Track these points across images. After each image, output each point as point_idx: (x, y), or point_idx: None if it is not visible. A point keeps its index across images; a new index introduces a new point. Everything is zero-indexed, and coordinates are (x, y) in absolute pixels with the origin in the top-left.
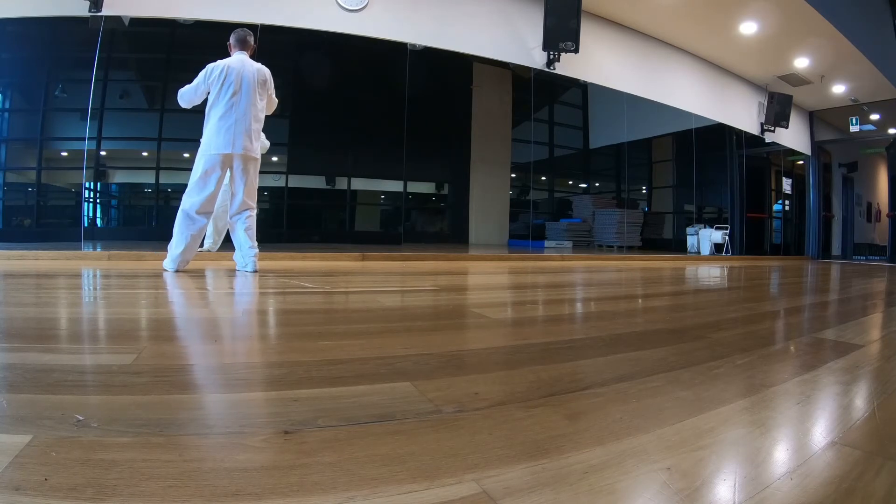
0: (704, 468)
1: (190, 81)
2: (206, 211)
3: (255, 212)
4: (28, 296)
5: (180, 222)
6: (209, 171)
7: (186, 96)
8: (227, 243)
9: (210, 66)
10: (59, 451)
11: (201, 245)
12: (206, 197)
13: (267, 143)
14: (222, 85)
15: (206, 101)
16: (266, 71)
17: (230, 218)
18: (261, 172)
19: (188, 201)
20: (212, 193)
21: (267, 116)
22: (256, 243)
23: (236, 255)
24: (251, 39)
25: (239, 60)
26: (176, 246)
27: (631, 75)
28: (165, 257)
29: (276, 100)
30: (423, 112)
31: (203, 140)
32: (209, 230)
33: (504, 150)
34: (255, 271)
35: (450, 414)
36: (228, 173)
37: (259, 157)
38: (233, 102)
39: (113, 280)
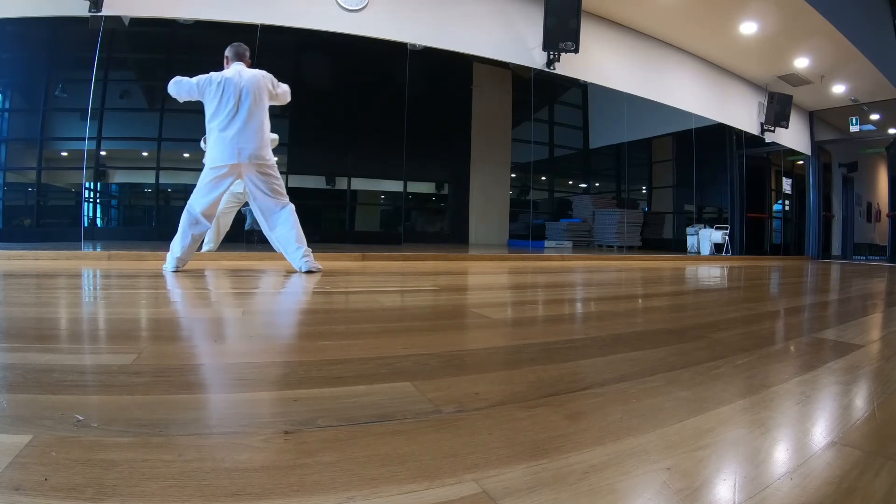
0: (704, 468)
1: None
2: (209, 214)
3: (291, 205)
4: (28, 296)
5: (185, 222)
6: (215, 179)
7: (184, 88)
8: (227, 243)
9: (211, 75)
10: (59, 451)
11: (200, 247)
12: (212, 200)
13: (275, 137)
14: (221, 97)
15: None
16: (261, 74)
17: (271, 231)
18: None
19: (194, 202)
20: (217, 197)
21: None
22: (303, 239)
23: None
24: (248, 54)
25: (235, 71)
26: (177, 245)
27: (631, 75)
28: (166, 258)
29: (285, 88)
30: (423, 112)
31: (207, 154)
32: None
33: (504, 150)
34: (310, 271)
35: (450, 414)
36: (237, 180)
37: (273, 161)
38: (233, 113)
39: (113, 280)
